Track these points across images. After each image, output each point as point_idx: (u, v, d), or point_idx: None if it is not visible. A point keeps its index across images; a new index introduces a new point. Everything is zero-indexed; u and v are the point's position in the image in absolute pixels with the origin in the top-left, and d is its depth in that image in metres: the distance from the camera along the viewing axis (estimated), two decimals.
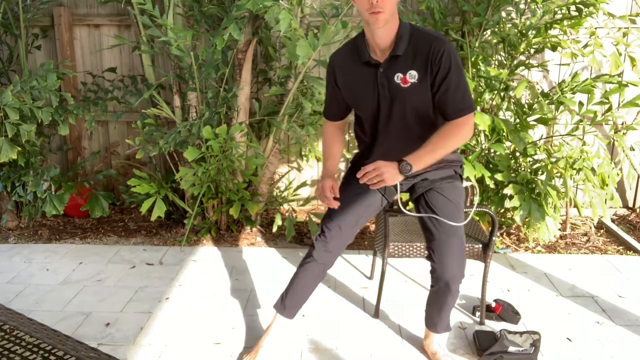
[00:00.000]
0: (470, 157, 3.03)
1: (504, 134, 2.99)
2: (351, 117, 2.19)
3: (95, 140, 3.95)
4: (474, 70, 3.09)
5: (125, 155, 3.90)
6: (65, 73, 3.34)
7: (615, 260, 3.12)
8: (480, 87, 3.10)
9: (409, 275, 2.94)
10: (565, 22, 3.01)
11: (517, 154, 3.19)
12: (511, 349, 2.18)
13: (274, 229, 3.35)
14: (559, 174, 3.00)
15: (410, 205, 2.92)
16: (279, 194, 3.69)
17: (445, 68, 1.84)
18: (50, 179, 3.33)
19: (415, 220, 2.63)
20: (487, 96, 3.12)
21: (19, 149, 3.10)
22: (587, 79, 3.02)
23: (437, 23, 3.15)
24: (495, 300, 2.54)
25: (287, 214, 3.53)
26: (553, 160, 3.06)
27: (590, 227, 3.55)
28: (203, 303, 2.67)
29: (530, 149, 3.10)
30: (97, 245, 3.39)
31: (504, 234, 3.42)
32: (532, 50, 3.20)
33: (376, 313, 2.54)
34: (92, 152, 3.90)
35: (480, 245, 2.39)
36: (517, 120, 3.07)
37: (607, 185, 3.03)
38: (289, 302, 2.19)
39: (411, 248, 2.41)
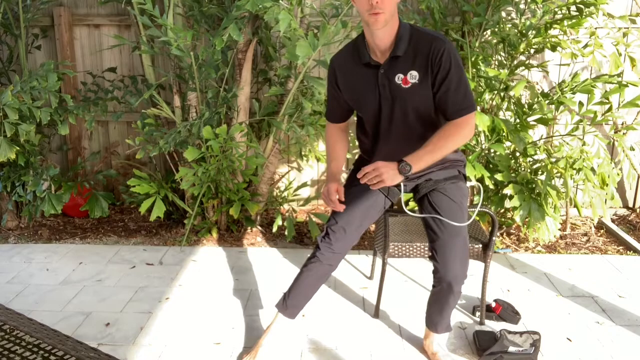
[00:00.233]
0: (470, 157, 3.03)
1: (504, 134, 2.99)
2: (353, 118, 2.19)
3: (95, 140, 3.95)
4: (474, 70, 3.09)
5: (125, 155, 3.90)
6: (66, 73, 3.34)
7: (615, 260, 3.12)
8: (480, 87, 3.10)
9: (409, 275, 2.94)
10: (565, 22, 3.01)
11: (517, 154, 3.19)
12: (511, 349, 2.18)
13: (274, 229, 3.35)
14: (559, 174, 3.00)
15: (411, 204, 2.93)
16: (279, 194, 3.69)
17: (446, 68, 1.84)
18: (50, 179, 3.33)
19: (415, 220, 2.63)
20: (487, 96, 3.12)
21: (18, 148, 3.10)
22: (587, 79, 3.02)
23: (437, 23, 3.15)
24: (495, 300, 2.54)
25: (287, 214, 3.53)
26: (553, 160, 3.06)
27: (590, 227, 3.55)
28: (203, 303, 2.67)
29: (530, 149, 3.10)
30: (97, 245, 3.39)
31: (504, 234, 3.42)
32: (532, 51, 3.20)
33: (376, 313, 2.54)
34: (92, 152, 3.90)
35: (480, 245, 2.39)
36: (517, 120, 3.07)
37: (607, 185, 3.03)
38: (291, 301, 2.18)
39: (411, 248, 2.41)
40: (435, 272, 2.01)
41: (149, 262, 3.13)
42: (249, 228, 3.50)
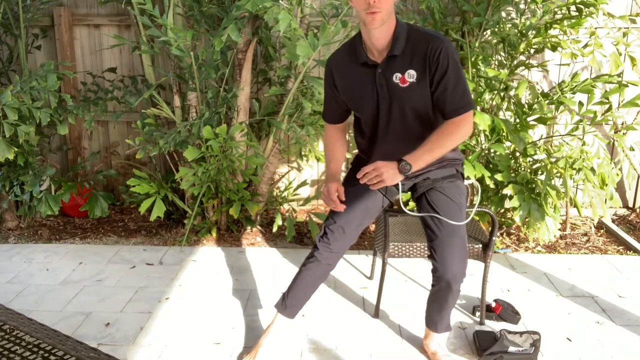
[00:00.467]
0: (470, 157, 3.03)
1: (504, 134, 2.99)
2: (351, 118, 2.18)
3: (95, 140, 3.95)
4: (474, 70, 3.09)
5: (125, 155, 3.90)
6: (65, 73, 3.34)
7: (615, 260, 3.12)
8: (480, 87, 3.10)
9: (409, 275, 2.94)
10: (565, 22, 3.01)
11: (517, 154, 3.19)
12: (511, 349, 2.18)
13: (274, 229, 3.35)
14: (558, 174, 3.00)
15: (411, 204, 2.93)
16: (279, 194, 3.69)
17: (443, 66, 1.84)
18: (49, 179, 3.33)
19: (415, 220, 2.63)
20: (487, 96, 3.11)
21: (17, 149, 3.10)
22: (587, 79, 3.02)
23: (437, 23, 3.15)
24: (495, 300, 2.54)
25: (287, 214, 3.53)
26: (553, 160, 3.06)
27: (590, 227, 3.55)
28: (203, 303, 2.67)
29: (530, 149, 3.10)
30: (97, 245, 3.39)
31: (504, 234, 3.42)
32: (532, 50, 3.20)
33: (376, 313, 2.54)
34: (92, 152, 3.90)
35: (480, 245, 2.39)
36: (517, 120, 3.07)
37: (607, 185, 3.03)
38: (291, 301, 2.18)
39: (411, 248, 2.41)
40: (434, 271, 2.01)
41: (149, 262, 3.13)
42: (249, 228, 3.50)
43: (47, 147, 3.75)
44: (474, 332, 2.34)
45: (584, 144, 3.08)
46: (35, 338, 2.30)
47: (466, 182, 2.17)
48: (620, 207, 3.66)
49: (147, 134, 3.29)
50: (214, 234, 3.44)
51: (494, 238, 2.37)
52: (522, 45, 3.08)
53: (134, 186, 3.14)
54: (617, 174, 3.11)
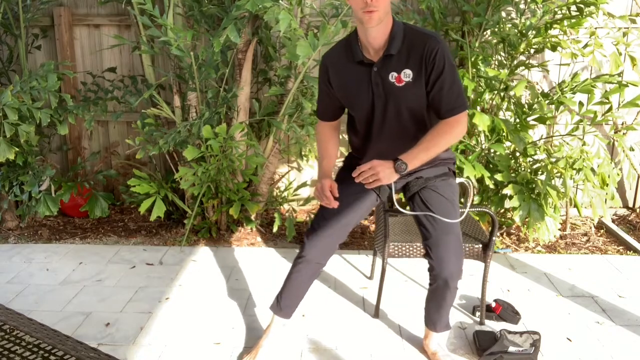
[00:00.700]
0: (470, 157, 3.03)
1: (504, 134, 2.99)
2: (345, 116, 2.18)
3: (95, 140, 3.95)
4: (474, 70, 3.09)
5: (125, 155, 3.90)
6: (65, 73, 3.34)
7: (615, 260, 3.12)
8: (480, 87, 3.10)
9: (409, 275, 2.94)
10: (565, 22, 3.01)
11: (517, 154, 3.19)
12: (511, 349, 2.18)
13: (274, 229, 3.35)
14: (559, 174, 3.00)
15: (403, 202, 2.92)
16: (279, 194, 3.69)
17: (440, 67, 1.85)
18: (49, 179, 3.33)
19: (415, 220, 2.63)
20: (487, 96, 3.11)
21: (17, 149, 3.10)
22: (587, 79, 3.02)
23: (437, 23, 3.14)
24: (495, 300, 2.54)
25: (287, 214, 3.53)
26: (553, 160, 3.06)
27: (590, 227, 3.55)
28: (203, 303, 2.67)
29: (530, 149, 3.10)
30: (97, 245, 3.39)
31: (504, 234, 3.42)
32: (532, 50, 3.20)
33: (376, 313, 2.54)
34: (92, 152, 3.90)
35: (480, 245, 2.39)
36: (517, 120, 3.07)
37: (607, 185, 3.03)
38: (285, 302, 2.18)
39: (411, 248, 2.40)
40: (430, 269, 2.01)
41: (149, 262, 3.13)
42: (249, 228, 3.50)
43: (47, 147, 3.75)
44: (474, 332, 2.34)
45: (584, 144, 3.08)
46: (35, 338, 2.30)
47: (458, 180, 2.18)
48: (620, 207, 3.66)
49: (147, 134, 3.29)
50: (214, 234, 3.44)
51: (494, 238, 2.37)
52: (522, 45, 3.08)
53: (134, 186, 3.13)
54: (617, 174, 3.11)
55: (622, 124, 3.50)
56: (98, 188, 3.82)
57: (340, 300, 2.70)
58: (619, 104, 3.23)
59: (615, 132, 3.42)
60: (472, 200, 3.11)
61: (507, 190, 2.94)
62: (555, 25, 3.04)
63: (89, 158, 3.81)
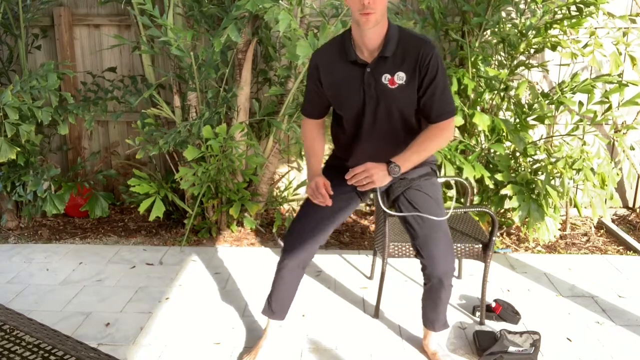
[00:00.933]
0: (470, 157, 3.03)
1: (504, 134, 2.99)
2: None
3: (95, 140, 3.95)
4: (474, 70, 3.09)
5: (125, 155, 3.90)
6: (65, 73, 3.34)
7: (615, 260, 3.12)
8: (480, 87, 3.10)
9: (409, 275, 2.94)
10: (565, 22, 3.01)
11: (517, 154, 3.19)
12: (511, 349, 2.18)
13: (274, 229, 3.35)
14: (558, 174, 3.00)
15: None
16: (279, 193, 3.69)
17: (433, 72, 1.88)
18: (50, 179, 3.33)
19: None
20: (487, 96, 3.11)
21: (18, 149, 3.10)
22: (587, 79, 3.02)
23: (437, 23, 3.14)
24: (495, 300, 2.54)
25: (287, 214, 3.53)
26: (553, 160, 3.06)
27: (590, 227, 3.55)
28: (203, 303, 2.67)
29: (530, 149, 3.10)
30: (97, 245, 3.39)
31: (504, 234, 3.42)
32: (532, 50, 3.20)
33: (376, 313, 2.54)
34: (92, 152, 3.90)
35: (480, 245, 2.39)
36: (517, 120, 3.07)
37: (607, 185, 3.03)
38: (276, 305, 2.19)
39: (411, 248, 2.41)
40: (423, 269, 2.02)
41: (149, 262, 3.13)
42: (249, 228, 3.50)
43: (47, 147, 3.75)
44: (474, 332, 2.34)
45: (584, 143, 3.08)
46: (35, 338, 2.30)
47: (441, 180, 2.21)
48: (620, 207, 3.65)
49: (147, 134, 3.29)
50: (214, 234, 3.44)
51: (494, 238, 2.37)
52: (522, 45, 3.08)
53: (134, 186, 3.13)
54: (617, 174, 3.11)
55: (622, 123, 3.50)
56: (98, 188, 3.82)
57: (340, 300, 2.70)
58: (619, 104, 3.23)
59: (615, 132, 3.42)
60: (476, 203, 3.12)
61: (507, 191, 2.94)
62: (555, 25, 3.04)
63: (89, 158, 3.81)
